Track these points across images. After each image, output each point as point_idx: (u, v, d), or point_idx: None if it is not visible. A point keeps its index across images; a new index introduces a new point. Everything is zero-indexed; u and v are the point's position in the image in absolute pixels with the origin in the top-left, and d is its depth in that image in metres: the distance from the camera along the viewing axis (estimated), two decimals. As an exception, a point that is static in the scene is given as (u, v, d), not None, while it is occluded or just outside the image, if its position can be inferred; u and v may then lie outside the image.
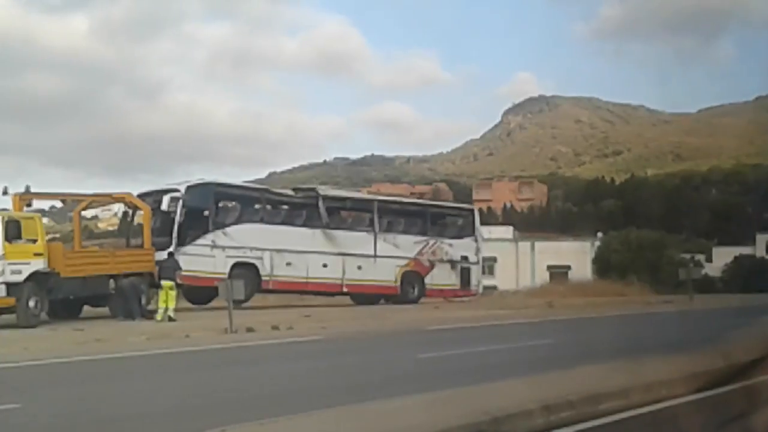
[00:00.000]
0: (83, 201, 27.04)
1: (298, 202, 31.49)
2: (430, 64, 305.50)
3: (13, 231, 21.43)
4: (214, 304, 28.99)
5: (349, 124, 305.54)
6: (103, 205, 28.61)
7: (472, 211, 36.77)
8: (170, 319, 23.45)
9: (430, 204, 37.28)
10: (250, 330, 19.93)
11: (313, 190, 31.62)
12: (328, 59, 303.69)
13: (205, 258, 27.87)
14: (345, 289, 31.58)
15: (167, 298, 23.78)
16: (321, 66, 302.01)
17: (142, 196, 28.51)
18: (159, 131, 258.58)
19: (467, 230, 35.35)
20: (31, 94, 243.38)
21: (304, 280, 30.37)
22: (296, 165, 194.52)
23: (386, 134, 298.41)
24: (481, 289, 35.97)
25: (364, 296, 32.38)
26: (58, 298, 23.04)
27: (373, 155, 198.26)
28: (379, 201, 33.34)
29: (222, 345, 17.56)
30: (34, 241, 22.08)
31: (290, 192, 31.45)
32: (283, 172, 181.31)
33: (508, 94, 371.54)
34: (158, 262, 24.63)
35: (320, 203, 31.19)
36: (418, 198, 59.35)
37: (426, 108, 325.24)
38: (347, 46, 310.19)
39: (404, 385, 10.75)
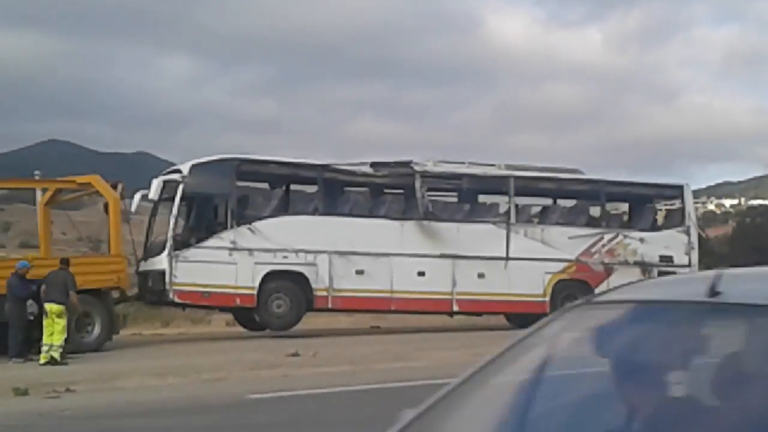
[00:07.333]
0: (47, 190, 19.91)
1: (380, 182, 22.00)
2: None
3: None
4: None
5: None
6: (78, 197, 21.20)
7: (680, 189, 24.16)
8: (55, 361, 15.38)
9: (605, 181, 24.60)
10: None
11: (406, 165, 21.81)
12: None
13: (222, 266, 19.60)
14: (455, 308, 21.57)
15: (54, 330, 15.67)
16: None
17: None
18: (676, 133, 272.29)
19: (673, 219, 23.50)
20: (553, 103, 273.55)
21: (387, 295, 20.91)
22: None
23: None
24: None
25: (521, 316, 22.03)
26: None
27: None
28: (517, 178, 22.46)
29: None
30: None
31: (367, 169, 21.79)
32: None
33: None
34: (47, 276, 16.33)
35: (417, 184, 21.49)
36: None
37: None
38: None
39: None
